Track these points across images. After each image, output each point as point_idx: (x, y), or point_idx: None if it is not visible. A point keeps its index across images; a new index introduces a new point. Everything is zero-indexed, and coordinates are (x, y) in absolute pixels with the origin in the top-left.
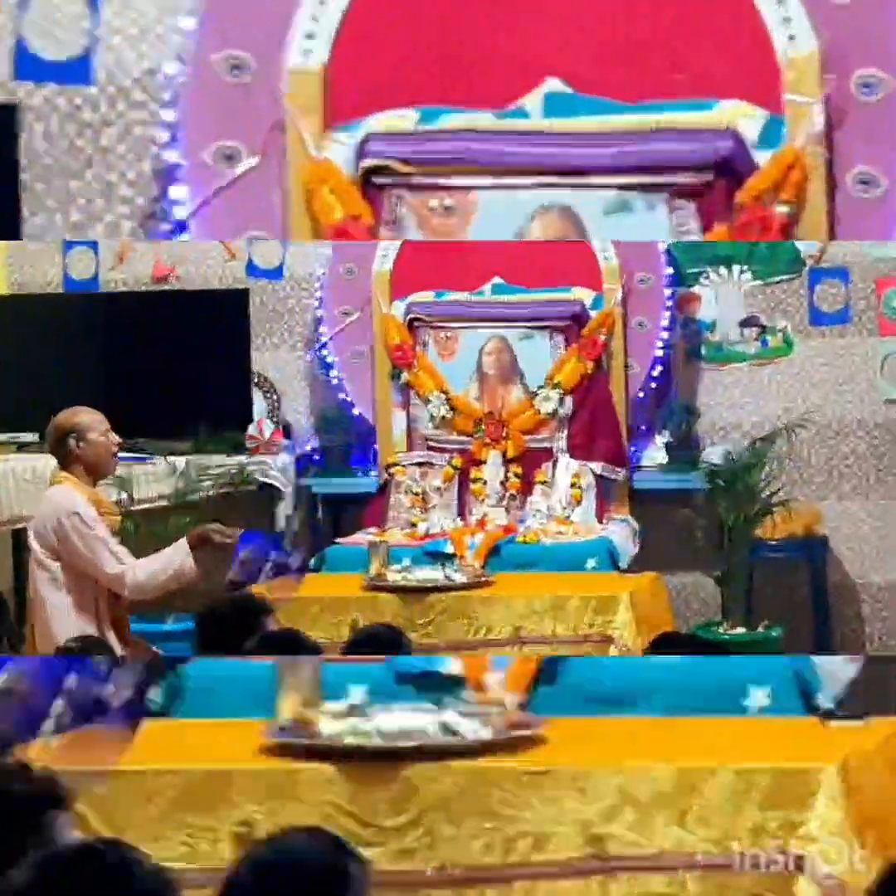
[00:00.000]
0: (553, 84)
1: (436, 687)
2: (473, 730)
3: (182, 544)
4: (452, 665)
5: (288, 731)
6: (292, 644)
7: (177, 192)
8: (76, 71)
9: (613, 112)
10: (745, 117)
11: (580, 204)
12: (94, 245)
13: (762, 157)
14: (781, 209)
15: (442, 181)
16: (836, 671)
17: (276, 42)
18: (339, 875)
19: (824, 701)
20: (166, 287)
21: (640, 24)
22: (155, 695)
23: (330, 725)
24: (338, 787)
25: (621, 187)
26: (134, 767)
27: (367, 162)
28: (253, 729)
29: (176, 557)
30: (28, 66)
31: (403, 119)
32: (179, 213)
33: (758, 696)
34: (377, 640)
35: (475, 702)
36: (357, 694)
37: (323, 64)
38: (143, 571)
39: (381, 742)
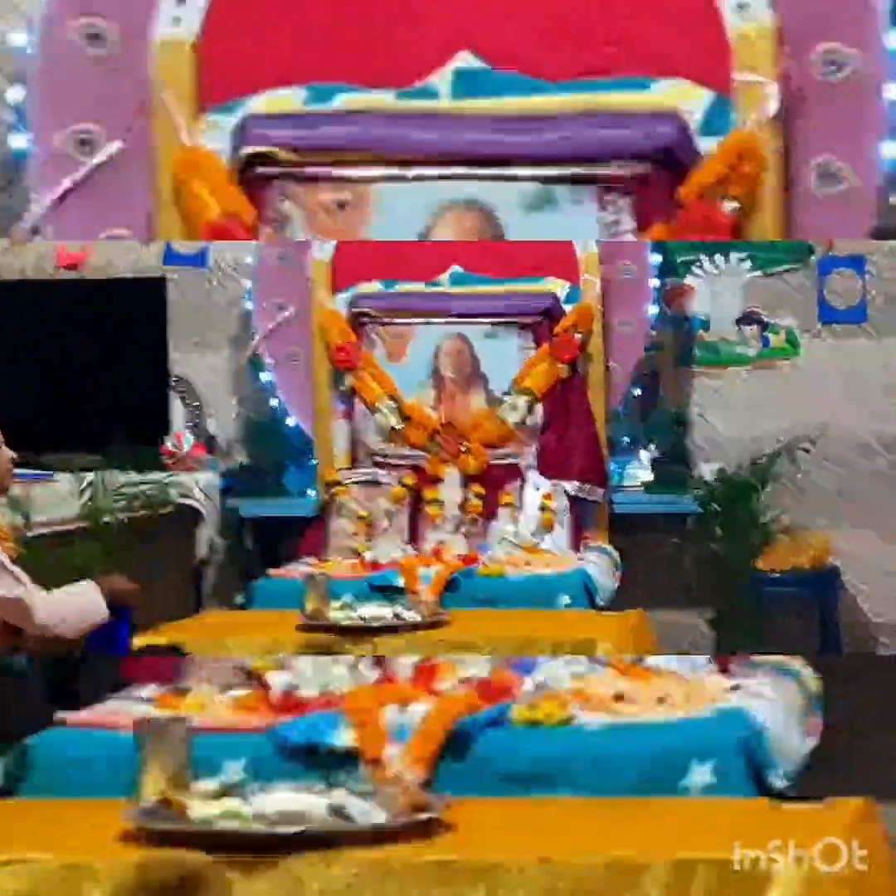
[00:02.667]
0: (465, 59)
1: (325, 762)
2: (367, 812)
3: (93, 584)
4: (344, 736)
5: (152, 814)
6: None
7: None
8: None
9: (534, 92)
10: (687, 99)
11: (495, 198)
12: None
13: (707, 145)
14: (730, 205)
15: (334, 172)
16: (790, 743)
17: (141, 9)
18: None
19: (777, 779)
20: (70, 276)
21: None
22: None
23: (201, 807)
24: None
25: (544, 180)
26: None
27: (247, 149)
28: (111, 811)
29: (87, 596)
30: None
31: (290, 99)
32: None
33: (700, 773)
34: None
35: (370, 780)
36: (233, 770)
37: (196, 34)
38: (52, 603)
39: (261, 827)
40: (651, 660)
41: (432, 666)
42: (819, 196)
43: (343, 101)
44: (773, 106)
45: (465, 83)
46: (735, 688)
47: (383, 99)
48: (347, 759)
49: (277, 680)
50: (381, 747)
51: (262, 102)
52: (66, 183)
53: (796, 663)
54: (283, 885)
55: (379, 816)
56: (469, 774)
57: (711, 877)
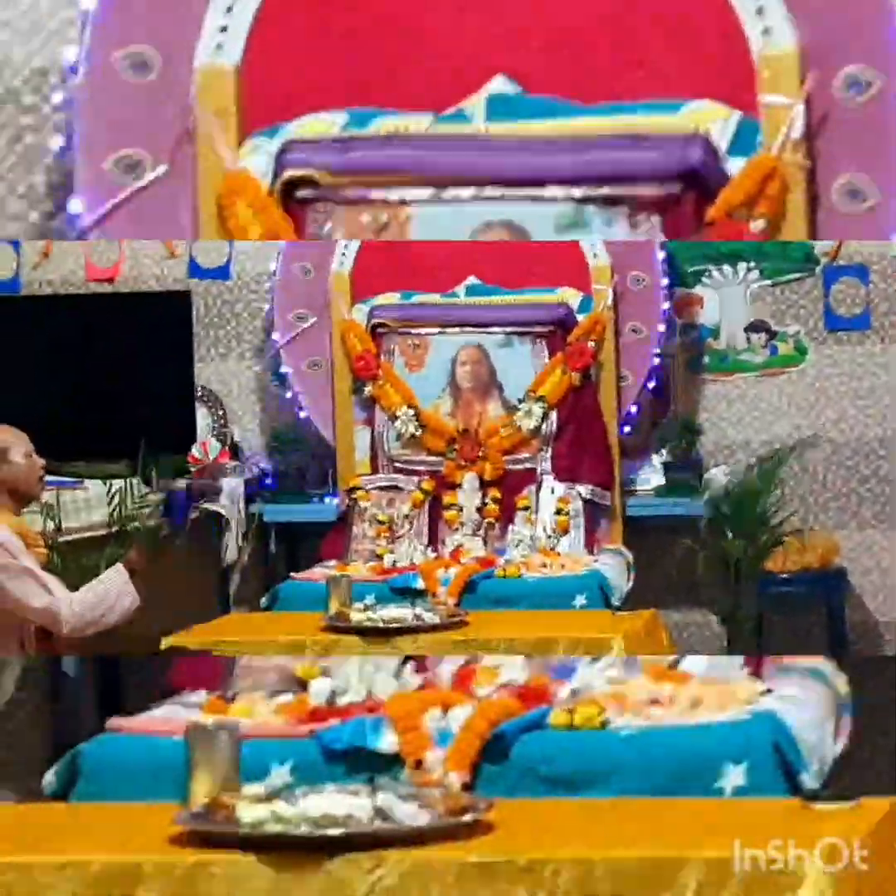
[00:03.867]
0: (498, 83)
1: (369, 766)
2: (411, 815)
3: (119, 570)
4: (387, 740)
5: (201, 818)
6: None
7: (75, 206)
8: None
9: (566, 115)
10: (715, 121)
11: (529, 219)
12: (15, 244)
13: (735, 166)
14: (757, 224)
15: (373, 194)
16: (822, 745)
17: (184, 37)
18: None
19: (809, 780)
20: (99, 290)
21: (596, 14)
22: (51, 777)
23: (249, 811)
24: (258, 882)
25: (576, 200)
26: (25, 860)
27: (288, 172)
28: (162, 815)
29: (114, 586)
30: None
31: (329, 123)
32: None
33: (733, 775)
34: None
35: (413, 783)
36: (280, 774)
37: (237, 61)
38: (79, 604)
39: (307, 829)
40: (685, 663)
41: (471, 670)
42: (843, 213)
43: (381, 125)
44: (798, 127)
45: (499, 107)
46: (767, 691)
47: (420, 123)
48: (391, 763)
49: (319, 687)
50: (424, 751)
51: (302, 127)
52: (112, 205)
53: (826, 666)
54: (330, 887)
55: (422, 818)
56: (508, 777)
57: (745, 874)
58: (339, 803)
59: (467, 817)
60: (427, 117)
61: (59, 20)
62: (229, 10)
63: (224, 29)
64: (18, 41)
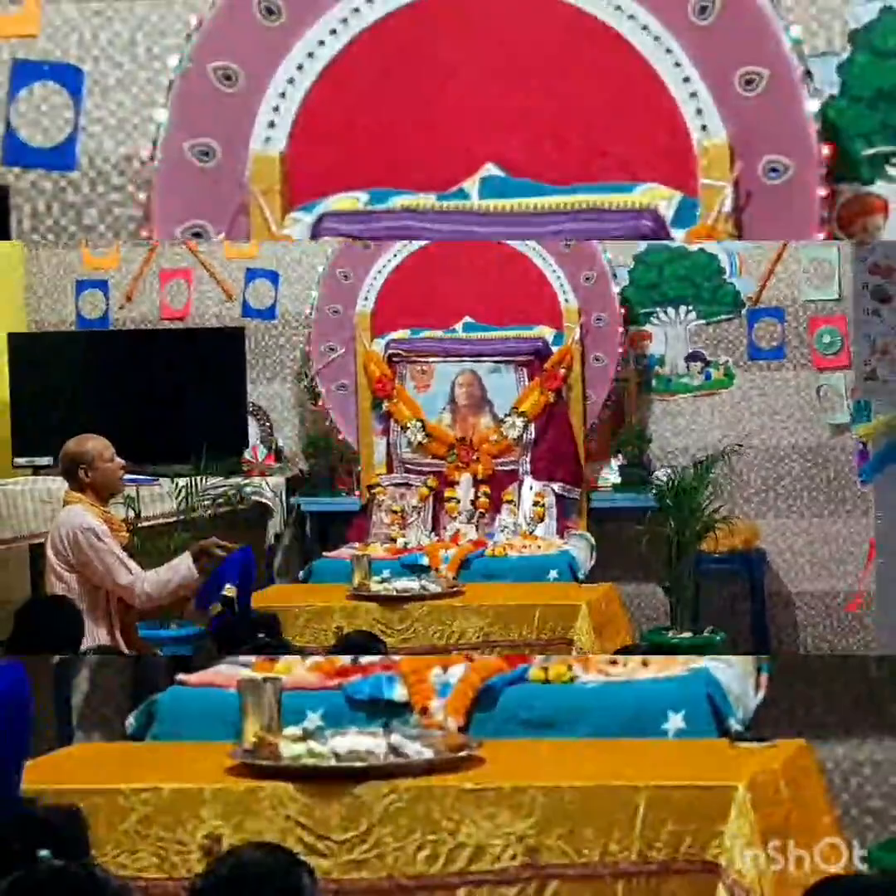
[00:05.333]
0: (490, 169)
1: (384, 712)
2: (418, 751)
3: (185, 556)
4: (400, 691)
5: (251, 753)
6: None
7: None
8: (61, 157)
9: (544, 194)
10: (662, 199)
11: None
12: (103, 285)
13: (678, 234)
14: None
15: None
16: (745, 696)
17: (240, 131)
18: (291, 888)
19: (735, 724)
20: (171, 326)
21: (568, 114)
22: (131, 720)
23: (289, 748)
24: (296, 804)
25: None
26: (111, 786)
27: (322, 238)
28: (220, 751)
29: (181, 567)
30: (16, 152)
31: (355, 200)
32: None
33: (674, 720)
34: (357, 647)
35: (419, 726)
36: (314, 719)
37: (282, 150)
38: (151, 583)
39: (335, 762)
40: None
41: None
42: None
43: (396, 202)
44: (728, 204)
45: (490, 188)
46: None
47: (427, 200)
48: (402, 710)
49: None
50: (429, 700)
51: (334, 203)
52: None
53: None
54: (353, 808)
55: (427, 754)
56: (495, 721)
57: (685, 799)
58: (361, 742)
59: (462, 753)
60: (432, 196)
61: (141, 117)
62: (276, 109)
63: (272, 124)
64: (109, 134)
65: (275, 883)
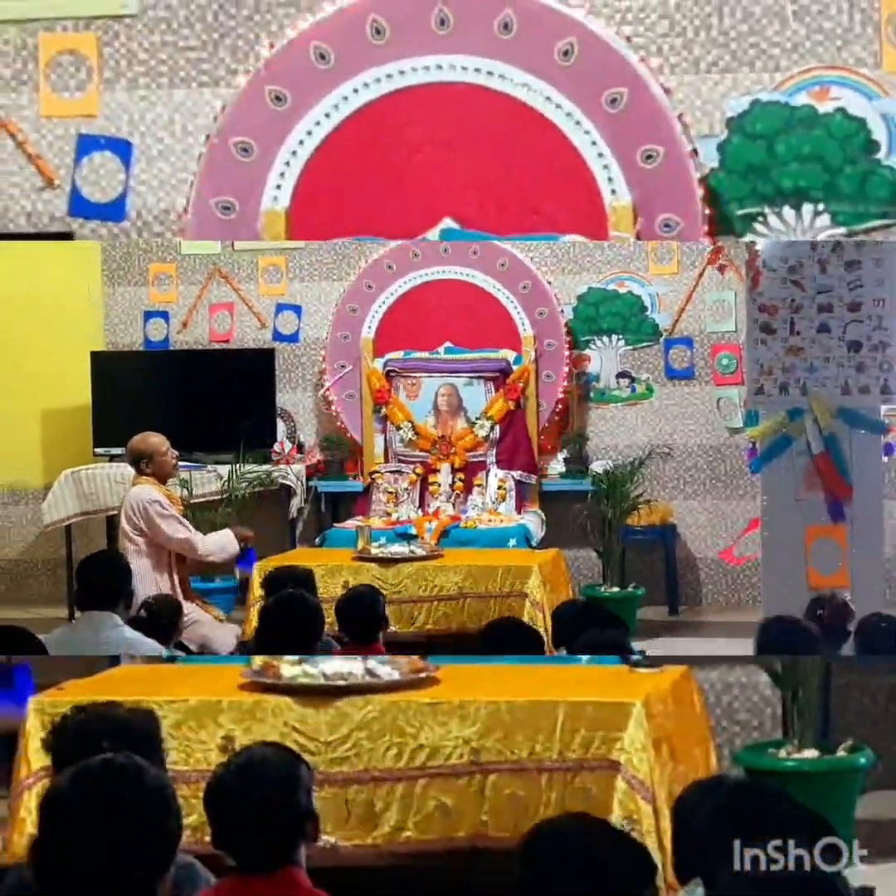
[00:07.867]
0: (447, 222)
1: (406, 537)
2: (388, 673)
3: (231, 532)
4: (412, 531)
5: (258, 674)
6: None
7: None
8: (114, 210)
9: (489, 241)
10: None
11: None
12: (166, 315)
13: None
14: None
15: None
16: (537, 534)
17: (254, 190)
18: (292, 777)
19: (634, 656)
20: (218, 347)
21: (508, 180)
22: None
23: (288, 670)
24: (292, 713)
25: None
26: (147, 698)
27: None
28: (234, 672)
29: (225, 538)
30: (80, 206)
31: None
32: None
33: (512, 543)
34: (362, 596)
35: (420, 546)
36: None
37: (287, 206)
38: (207, 543)
39: (323, 681)
40: (500, 508)
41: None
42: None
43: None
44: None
45: (448, 237)
46: (521, 518)
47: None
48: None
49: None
50: (423, 533)
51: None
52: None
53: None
54: (337, 717)
55: (395, 675)
56: (450, 542)
57: (594, 711)
58: (344, 666)
59: (423, 675)
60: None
61: (177, 179)
62: (282, 174)
63: (279, 187)
64: (150, 191)
65: (278, 772)
